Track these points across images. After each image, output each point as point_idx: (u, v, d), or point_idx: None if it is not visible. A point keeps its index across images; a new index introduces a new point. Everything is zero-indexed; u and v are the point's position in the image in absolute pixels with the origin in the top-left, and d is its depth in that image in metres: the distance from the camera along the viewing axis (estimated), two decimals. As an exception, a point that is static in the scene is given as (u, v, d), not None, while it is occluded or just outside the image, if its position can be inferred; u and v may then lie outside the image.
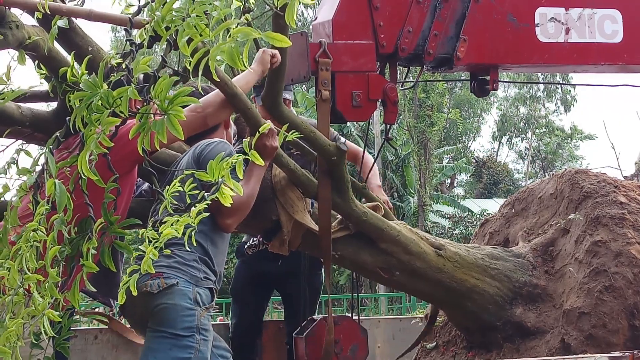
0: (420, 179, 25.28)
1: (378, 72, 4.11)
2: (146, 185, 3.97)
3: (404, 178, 26.28)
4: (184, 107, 2.25)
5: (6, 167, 2.59)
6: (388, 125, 4.19)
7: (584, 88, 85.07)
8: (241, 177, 2.60)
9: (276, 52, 3.53)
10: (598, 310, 3.94)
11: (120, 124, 2.62)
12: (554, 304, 4.16)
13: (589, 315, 3.94)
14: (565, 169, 4.69)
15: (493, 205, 26.79)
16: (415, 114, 24.98)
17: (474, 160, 39.95)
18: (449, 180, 37.07)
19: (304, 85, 29.88)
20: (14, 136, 3.32)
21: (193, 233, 2.37)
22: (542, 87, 42.80)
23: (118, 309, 3.71)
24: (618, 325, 3.91)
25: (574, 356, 3.43)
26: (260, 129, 2.91)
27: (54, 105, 3.63)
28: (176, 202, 2.46)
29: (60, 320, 2.46)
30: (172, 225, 2.30)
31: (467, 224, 27.29)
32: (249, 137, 2.63)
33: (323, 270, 4.81)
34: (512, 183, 39.50)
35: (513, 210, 4.87)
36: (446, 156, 34.61)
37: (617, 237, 4.09)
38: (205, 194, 2.43)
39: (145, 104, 2.33)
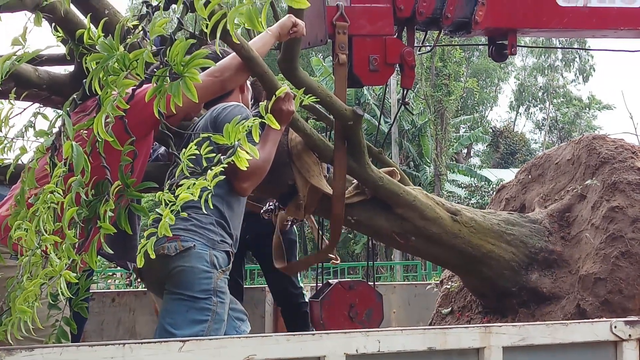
0: (437, 148, 25.19)
1: (395, 36, 4.09)
2: (162, 149, 3.98)
3: (420, 147, 26.21)
4: (202, 70, 2.25)
5: (24, 130, 2.60)
6: (405, 90, 4.18)
7: (603, 57, 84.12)
8: (257, 141, 2.60)
9: (300, 22, 3.51)
10: (614, 275, 3.92)
11: (137, 87, 2.62)
12: (569, 270, 4.16)
13: (604, 280, 3.93)
14: (583, 135, 4.66)
15: (510, 175, 26.64)
16: (433, 83, 24.84)
17: (491, 130, 39.77)
18: (465, 150, 36.96)
19: (319, 53, 29.79)
20: (31, 99, 3.32)
21: (210, 196, 2.38)
22: (560, 56, 42.48)
23: (135, 272, 3.73)
24: (634, 291, 3.89)
25: (590, 320, 3.42)
26: (276, 93, 2.91)
27: (71, 68, 3.63)
28: (192, 165, 2.47)
29: (77, 281, 2.48)
30: (188, 188, 2.31)
31: (484, 193, 27.23)
32: (265, 101, 2.63)
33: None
34: (529, 153, 39.31)
35: (530, 176, 4.85)
36: (463, 126, 34.46)
37: (634, 202, 4.06)
38: (222, 157, 2.43)
39: (161, 66, 2.33)
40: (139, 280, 10.91)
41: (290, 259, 5.03)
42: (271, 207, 4.93)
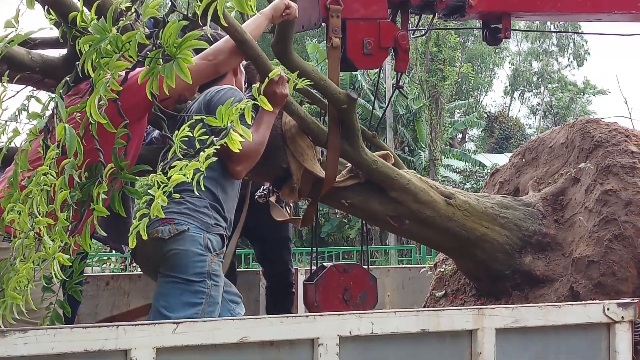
0: (432, 133, 25.19)
1: (389, 20, 4.08)
2: (156, 132, 3.98)
3: (415, 132, 26.20)
4: (195, 53, 2.24)
5: (17, 113, 2.59)
6: (399, 74, 4.18)
7: (597, 42, 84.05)
8: (250, 123, 2.59)
9: (293, 4, 3.50)
10: (607, 258, 3.94)
11: (130, 70, 2.62)
12: (563, 253, 4.17)
13: (598, 263, 3.94)
14: (577, 119, 4.66)
15: (504, 160, 26.55)
16: (427, 68, 24.80)
17: (486, 115, 39.77)
18: (460, 135, 36.96)
19: (314, 38, 29.72)
20: (24, 82, 3.31)
21: (202, 178, 2.38)
22: (555, 41, 42.43)
23: (130, 255, 3.74)
24: (627, 274, 3.91)
25: (583, 302, 3.44)
26: (269, 75, 2.90)
27: (64, 51, 3.62)
28: (185, 147, 2.47)
29: (71, 264, 2.49)
30: (180, 169, 2.31)
31: (478, 178, 27.25)
32: (258, 83, 2.62)
33: None
34: (523, 138, 39.30)
35: (523, 160, 4.86)
36: (458, 111, 34.46)
37: (628, 186, 4.07)
38: (214, 139, 2.43)
39: (154, 48, 2.33)
40: (133, 264, 10.92)
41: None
42: (265, 191, 4.93)
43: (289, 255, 5.22)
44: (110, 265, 12.84)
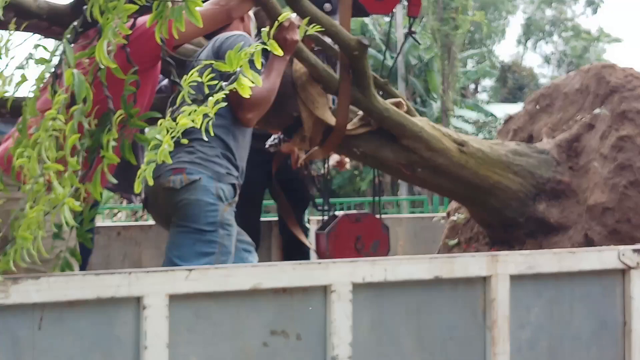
0: (444, 83, 24.99)
1: (401, -37, 4.01)
2: (166, 81, 3.94)
3: (427, 83, 26.01)
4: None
5: (24, 62, 2.56)
6: (411, 19, 4.11)
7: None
8: (260, 68, 2.56)
9: None
10: (622, 205, 3.90)
11: (139, 15, 2.58)
12: (577, 200, 4.13)
13: (613, 210, 3.91)
14: (592, 64, 4.59)
15: (517, 111, 26.52)
16: (439, 17, 24.51)
17: (499, 65, 39.44)
18: (473, 85, 36.71)
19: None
20: (31, 30, 3.28)
21: (212, 126, 2.35)
22: (569, -12, 41.88)
23: (142, 204, 3.73)
24: (642, 220, 3.88)
25: (598, 247, 3.42)
26: (279, 18, 2.86)
27: (70, -1, 3.58)
28: (194, 92, 2.44)
29: (81, 211, 2.47)
30: (189, 114, 2.28)
31: (491, 129, 27.12)
32: (268, 27, 2.57)
33: None
34: (537, 87, 38.90)
35: (537, 107, 4.80)
36: (470, 60, 34.15)
37: (644, 131, 4.02)
38: (223, 83, 2.40)
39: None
40: (144, 216, 10.95)
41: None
42: (276, 141, 4.90)
43: (303, 217, 5.23)
44: (121, 217, 12.88)
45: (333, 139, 3.86)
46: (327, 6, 3.94)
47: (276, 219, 5.40)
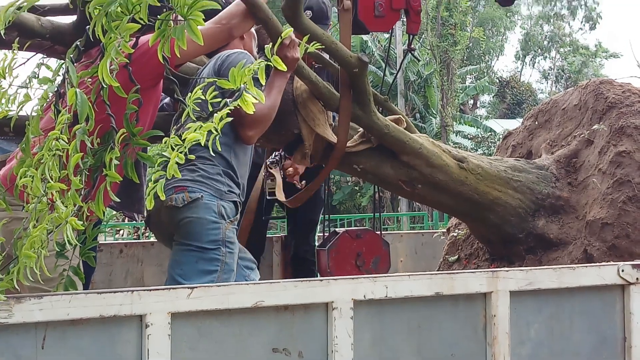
0: (443, 99, 25.05)
1: (400, -18, 4.03)
2: (168, 99, 3.96)
3: (426, 99, 26.08)
4: (208, 19, 2.21)
5: (27, 81, 2.58)
6: (411, 36, 4.13)
7: (609, 5, 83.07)
8: (263, 84, 2.58)
9: None
10: (621, 220, 3.92)
11: (141, 34, 2.60)
12: (576, 216, 4.15)
13: (612, 225, 3.92)
14: (590, 80, 4.61)
15: (516, 126, 26.50)
16: (438, 33, 24.62)
17: (497, 80, 39.54)
18: (472, 101, 36.78)
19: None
20: (34, 49, 3.30)
21: (218, 139, 2.36)
22: (566, 4, 42.01)
23: (144, 222, 3.74)
24: (641, 236, 3.89)
25: (597, 264, 3.42)
26: (282, 35, 2.88)
27: (74, 19, 3.60)
28: (199, 109, 2.46)
29: (84, 230, 2.48)
30: (195, 130, 2.29)
31: (490, 144, 27.15)
32: (270, 44, 2.60)
33: None
34: (535, 103, 39.05)
35: (536, 123, 4.82)
36: (469, 76, 34.24)
37: (642, 147, 4.03)
38: (228, 100, 2.42)
39: (164, 10, 2.30)
40: (146, 234, 10.95)
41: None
42: (277, 158, 4.91)
43: (313, 236, 5.23)
44: (123, 234, 12.90)
45: (334, 156, 3.88)
46: (308, 13, 3.97)
47: (277, 235, 5.41)
